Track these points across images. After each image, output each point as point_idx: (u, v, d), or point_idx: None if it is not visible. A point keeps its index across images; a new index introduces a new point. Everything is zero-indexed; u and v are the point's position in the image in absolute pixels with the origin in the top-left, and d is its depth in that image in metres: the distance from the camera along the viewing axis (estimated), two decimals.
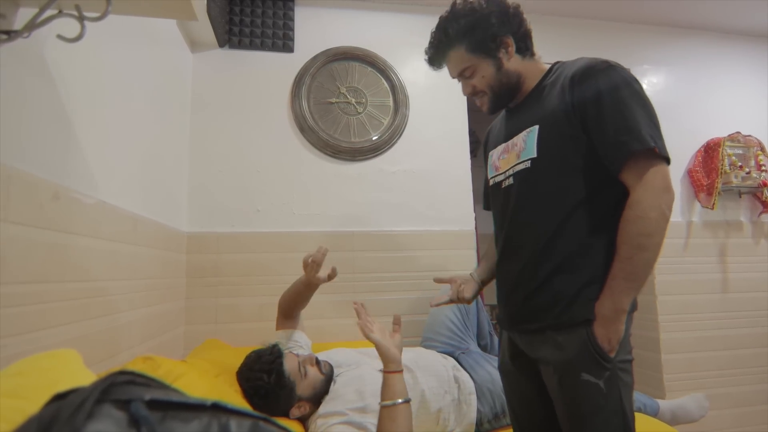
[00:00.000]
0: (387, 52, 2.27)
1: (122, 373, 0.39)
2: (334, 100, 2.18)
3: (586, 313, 0.94)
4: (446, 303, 1.26)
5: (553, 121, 0.99)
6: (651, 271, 0.93)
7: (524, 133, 1.05)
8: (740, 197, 2.51)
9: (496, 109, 1.13)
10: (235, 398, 1.20)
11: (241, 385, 1.29)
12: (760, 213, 2.51)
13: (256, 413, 0.39)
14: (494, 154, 1.17)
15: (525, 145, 1.04)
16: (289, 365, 1.31)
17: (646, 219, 0.89)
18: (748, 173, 2.40)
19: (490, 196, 1.23)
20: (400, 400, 1.13)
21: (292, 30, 2.22)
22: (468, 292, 1.24)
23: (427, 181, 2.21)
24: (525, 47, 1.09)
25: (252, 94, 2.12)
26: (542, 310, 0.99)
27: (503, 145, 1.13)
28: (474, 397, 1.45)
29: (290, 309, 1.58)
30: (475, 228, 2.28)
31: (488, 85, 1.08)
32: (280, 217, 2.05)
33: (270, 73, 2.16)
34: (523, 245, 1.04)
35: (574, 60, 1.03)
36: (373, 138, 2.17)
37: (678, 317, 2.32)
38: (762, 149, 2.50)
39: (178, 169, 1.88)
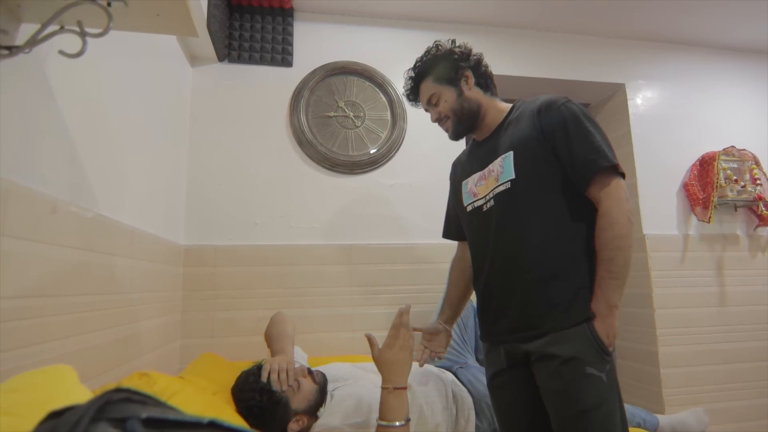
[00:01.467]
0: (385, 67, 2.30)
1: (118, 390, 0.38)
2: (332, 113, 2.20)
3: (584, 314, 1.04)
4: (428, 361, 1.38)
5: (526, 146, 1.13)
6: (630, 267, 1.06)
7: (500, 159, 1.18)
8: (736, 211, 2.53)
9: (459, 133, 1.28)
10: (232, 416, 1.18)
11: (236, 404, 1.27)
12: (756, 226, 2.52)
13: (253, 431, 0.38)
14: (469, 182, 1.28)
15: (503, 169, 1.16)
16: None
17: (618, 224, 1.04)
18: (743, 187, 2.42)
19: (466, 221, 1.31)
20: (397, 423, 1.08)
21: (291, 44, 2.24)
22: (440, 346, 1.37)
23: (425, 195, 2.22)
24: (485, 84, 1.27)
25: (251, 108, 2.14)
26: (541, 317, 1.07)
27: (479, 173, 1.25)
28: (473, 412, 1.44)
29: None
30: None
31: (451, 109, 1.24)
32: (278, 230, 2.05)
33: (269, 87, 2.18)
34: (514, 258, 1.13)
35: (533, 99, 1.21)
36: (371, 151, 2.18)
37: (676, 331, 2.32)
38: (756, 163, 2.52)
39: (176, 182, 1.88)
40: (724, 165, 2.45)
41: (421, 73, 1.28)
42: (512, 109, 1.25)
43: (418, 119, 2.28)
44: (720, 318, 2.41)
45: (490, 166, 1.21)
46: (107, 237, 1.18)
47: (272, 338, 1.54)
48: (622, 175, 1.09)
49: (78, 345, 1.01)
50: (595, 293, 1.05)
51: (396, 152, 2.23)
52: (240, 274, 1.96)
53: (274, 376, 1.28)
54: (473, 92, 1.24)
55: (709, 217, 2.39)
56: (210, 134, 2.06)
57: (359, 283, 2.06)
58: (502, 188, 1.16)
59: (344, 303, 2.03)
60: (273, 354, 1.49)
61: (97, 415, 0.35)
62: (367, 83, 2.27)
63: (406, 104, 2.31)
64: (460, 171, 1.37)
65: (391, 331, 1.21)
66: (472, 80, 1.25)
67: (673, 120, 2.58)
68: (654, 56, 2.66)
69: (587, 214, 1.10)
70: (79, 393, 0.61)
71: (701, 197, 2.44)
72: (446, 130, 1.29)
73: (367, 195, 2.16)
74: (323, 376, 1.40)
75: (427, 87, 1.26)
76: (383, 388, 1.14)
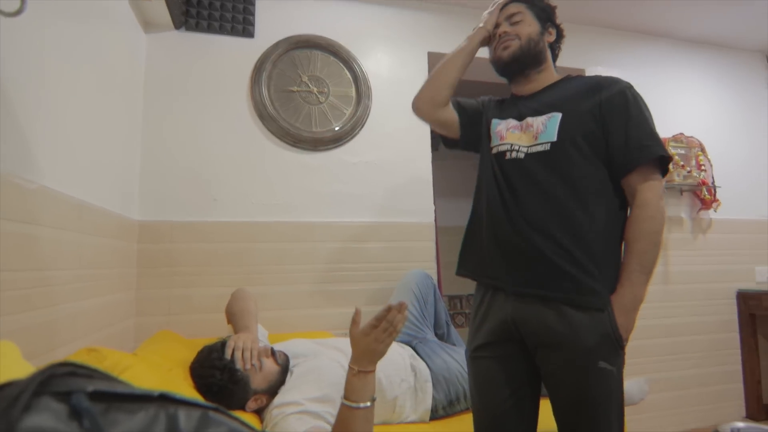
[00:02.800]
0: (351, 43, 2.25)
1: (63, 364, 0.37)
2: (295, 88, 2.15)
3: (603, 300, 1.01)
4: None
5: (576, 114, 1.10)
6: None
7: (544, 117, 1.13)
8: (681, 194, 2.67)
9: (514, 59, 1.21)
10: (188, 392, 1.17)
11: (194, 380, 1.26)
12: (699, 210, 2.68)
13: (206, 403, 0.38)
14: (501, 125, 1.22)
15: (545, 128, 1.12)
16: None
17: (656, 219, 1.02)
18: (689, 172, 2.55)
19: (486, 161, 1.23)
20: (362, 404, 1.05)
21: (253, 15, 2.16)
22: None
23: (388, 173, 2.22)
24: (555, 50, 1.29)
25: (209, 79, 2.06)
26: (565, 280, 1.02)
27: (514, 121, 1.19)
28: (430, 384, 1.48)
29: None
30: (435, 221, 2.32)
31: (525, 35, 1.20)
32: (238, 206, 2.00)
33: (229, 59, 2.09)
34: (545, 218, 1.07)
35: (589, 76, 1.22)
36: (335, 128, 2.15)
37: None
38: (702, 150, 2.66)
39: (129, 155, 1.80)
40: (673, 151, 2.58)
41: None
42: (564, 78, 1.24)
43: (384, 97, 2.26)
44: (664, 295, 2.57)
45: (530, 120, 1.16)
46: (53, 210, 1.12)
47: (235, 315, 1.52)
48: (665, 172, 1.08)
49: (23, 322, 0.96)
50: (622, 284, 1.02)
51: (360, 130, 2.21)
52: (198, 251, 1.91)
53: (238, 354, 1.28)
54: (545, 46, 1.24)
55: None
56: (166, 105, 1.97)
57: (322, 261, 2.05)
58: (539, 148, 1.11)
59: (306, 280, 2.02)
60: (236, 331, 1.47)
61: (39, 389, 0.33)
62: (332, 58, 2.22)
63: (372, 81, 2.31)
64: (494, 110, 1.29)
65: (372, 321, 1.09)
66: (552, 37, 1.26)
67: None
68: (613, 44, 2.73)
69: (623, 204, 1.09)
70: (21, 369, 0.58)
71: None
72: (505, 48, 1.22)
73: (331, 172, 2.14)
74: (286, 357, 1.40)
75: (519, 6, 1.24)
76: (350, 368, 1.09)
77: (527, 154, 1.12)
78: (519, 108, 1.21)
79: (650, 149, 1.04)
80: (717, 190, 2.66)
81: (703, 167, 2.61)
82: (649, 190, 1.03)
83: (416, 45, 2.36)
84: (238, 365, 1.25)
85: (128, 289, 1.75)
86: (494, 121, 1.25)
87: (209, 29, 2.11)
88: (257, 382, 1.28)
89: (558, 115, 1.11)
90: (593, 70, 2.64)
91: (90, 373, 0.38)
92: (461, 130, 1.33)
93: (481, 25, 1.28)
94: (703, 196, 2.62)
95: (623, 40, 2.75)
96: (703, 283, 2.65)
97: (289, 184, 2.08)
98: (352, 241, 2.11)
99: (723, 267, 2.70)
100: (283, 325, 1.94)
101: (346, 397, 1.06)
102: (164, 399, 0.37)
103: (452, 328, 1.86)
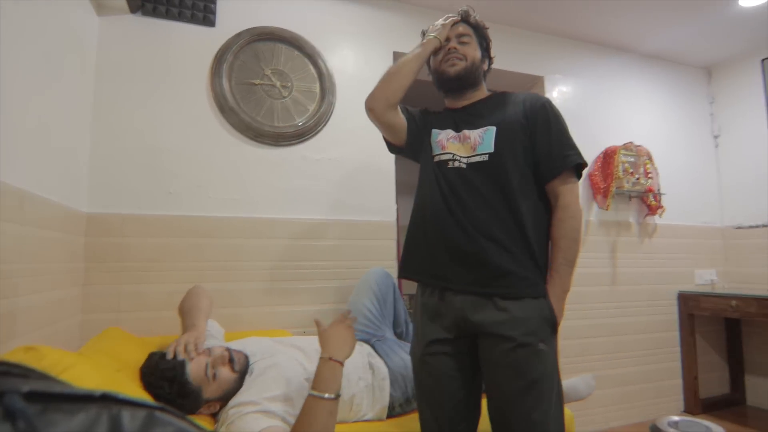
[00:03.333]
0: (316, 38, 2.23)
1: None
2: (257, 81, 2.10)
3: (541, 290, 1.15)
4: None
5: (509, 127, 1.23)
6: None
7: (481, 130, 1.24)
8: (630, 200, 2.81)
9: (460, 77, 1.32)
10: (137, 393, 1.12)
11: (143, 386, 1.21)
12: (646, 215, 2.83)
13: (152, 403, 0.36)
14: (441, 135, 1.31)
15: (482, 140, 1.23)
16: (195, 371, 1.23)
17: (576, 218, 1.18)
18: (637, 179, 2.69)
19: (428, 168, 1.31)
20: (326, 395, 1.10)
21: (214, 3, 2.09)
22: None
23: (351, 171, 2.21)
24: (485, 75, 1.41)
25: (167, 68, 1.98)
26: (508, 276, 1.13)
27: (453, 132, 1.29)
28: (387, 382, 1.49)
29: None
30: (397, 219, 2.33)
31: (471, 58, 1.33)
32: (194, 200, 1.94)
33: (188, 47, 2.02)
34: (487, 222, 1.17)
35: (513, 93, 1.34)
36: (298, 124, 2.12)
37: (574, 306, 2.55)
38: (650, 158, 2.80)
39: (77, 144, 1.71)
40: (623, 159, 2.71)
41: (472, 20, 1.38)
42: (492, 95, 1.36)
43: (348, 95, 2.25)
44: (611, 296, 2.70)
45: (467, 133, 1.26)
46: None
47: (185, 312, 1.48)
48: (580, 177, 1.24)
49: None
50: (552, 277, 1.16)
51: (323, 126, 2.19)
52: (151, 246, 1.84)
53: (180, 348, 1.25)
54: (482, 70, 1.38)
55: (608, 205, 2.65)
56: (119, 93, 1.88)
57: (281, 258, 2.02)
58: (478, 159, 1.22)
59: (264, 277, 1.98)
60: (184, 329, 1.43)
61: None
62: (297, 53, 2.19)
63: (337, 78, 2.29)
64: (434, 120, 1.38)
65: (338, 317, 1.29)
66: (487, 65, 1.40)
67: (584, 114, 2.78)
68: (571, 54, 2.83)
69: (546, 205, 1.23)
70: None
71: (602, 187, 2.68)
72: (452, 65, 1.32)
73: (293, 168, 2.11)
74: (245, 361, 1.35)
75: (468, 29, 1.36)
76: (321, 358, 1.17)
77: (468, 164, 1.22)
78: (455, 120, 1.32)
79: (570, 158, 1.20)
80: (662, 196, 2.81)
81: (650, 175, 2.75)
82: (570, 193, 1.20)
83: (382, 44, 2.37)
84: (181, 357, 1.22)
85: (74, 285, 1.66)
86: (434, 131, 1.34)
87: (168, 15, 2.03)
88: (210, 392, 1.25)
89: (493, 129, 1.23)
90: (552, 77, 2.74)
91: (25, 372, 0.36)
92: (408, 137, 1.38)
93: (433, 35, 1.35)
94: (649, 202, 2.77)
95: (581, 51, 2.86)
96: (647, 284, 2.80)
97: (248, 179, 2.03)
98: (312, 238, 2.09)
99: (666, 270, 2.87)
100: (239, 323, 1.89)
101: (313, 387, 1.12)
102: (107, 399, 0.35)
103: (411, 326, 1.87)
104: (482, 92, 1.38)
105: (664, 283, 2.86)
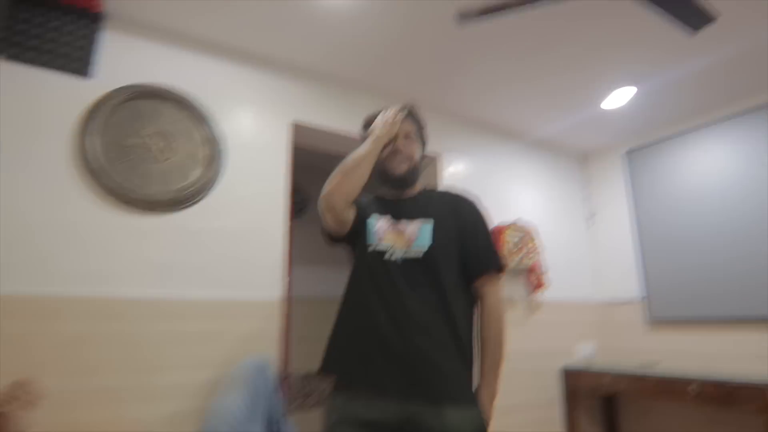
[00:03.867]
0: (209, 100, 2.11)
1: None
2: (135, 141, 1.91)
3: (473, 397, 1.15)
4: None
5: (443, 223, 1.26)
6: None
7: (417, 223, 1.26)
8: (517, 277, 2.93)
9: (402, 178, 1.35)
10: None
11: None
12: (531, 291, 2.96)
13: None
14: (378, 223, 1.30)
15: (419, 234, 1.24)
16: None
17: (501, 321, 1.23)
18: (522, 258, 2.83)
19: (363, 258, 1.28)
20: None
21: (92, 53, 1.91)
22: None
23: (234, 244, 2.05)
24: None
25: (24, 118, 1.73)
26: (447, 381, 1.12)
27: (389, 222, 1.30)
28: None
29: None
30: (289, 293, 2.18)
31: (415, 158, 1.37)
32: (34, 274, 1.64)
33: (55, 98, 1.80)
34: (426, 321, 1.16)
35: (442, 190, 1.45)
36: (177, 190, 1.94)
37: None
38: (534, 237, 2.98)
39: None
40: (511, 237, 2.85)
41: (417, 118, 1.42)
42: (425, 190, 1.41)
43: (239, 162, 2.13)
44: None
45: (403, 226, 1.27)
46: None
47: None
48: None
49: None
50: (482, 385, 1.18)
51: (207, 194, 2.02)
52: None
53: None
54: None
55: None
56: None
57: (138, 346, 1.74)
58: (414, 254, 1.22)
59: (114, 371, 1.69)
60: None
61: None
62: (184, 113, 2.05)
63: (229, 142, 2.16)
64: (371, 207, 1.35)
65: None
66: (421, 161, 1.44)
67: (477, 192, 2.88)
68: (468, 134, 3.01)
69: (472, 303, 1.26)
70: None
71: None
72: (399, 164, 1.34)
73: (166, 239, 1.90)
74: None
75: (412, 126, 1.39)
76: None
77: (404, 259, 1.22)
78: (392, 210, 1.32)
79: (496, 259, 1.29)
80: (545, 273, 2.98)
81: (534, 253, 2.91)
82: (495, 294, 1.26)
83: (280, 113, 2.32)
84: None
85: None
86: (372, 218, 1.32)
87: (36, 61, 1.81)
88: None
89: (429, 225, 1.26)
90: (449, 155, 2.86)
91: None
92: (353, 226, 1.32)
93: (384, 131, 1.32)
94: (533, 279, 2.91)
95: (476, 132, 3.05)
96: (532, 361, 2.88)
97: (109, 250, 1.78)
98: (182, 320, 1.85)
99: (550, 345, 2.99)
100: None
101: None
102: None
103: (285, 425, 1.69)
104: (415, 188, 1.39)
105: (548, 360, 2.96)
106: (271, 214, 2.18)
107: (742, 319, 2.56)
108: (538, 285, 2.92)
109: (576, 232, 3.42)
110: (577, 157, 3.63)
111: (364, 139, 1.36)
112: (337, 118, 2.47)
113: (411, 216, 1.29)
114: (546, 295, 3.01)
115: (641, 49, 2.26)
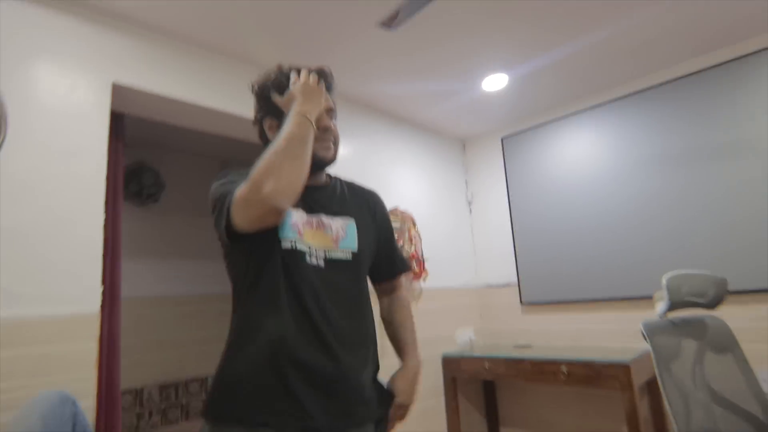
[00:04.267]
0: None
1: None
2: None
3: (390, 399, 1.14)
4: None
5: (365, 222, 1.17)
6: None
7: (341, 221, 1.11)
8: None
9: (333, 160, 1.16)
10: None
11: None
12: (413, 280, 2.81)
13: None
14: (294, 216, 1.04)
15: (345, 234, 1.11)
16: None
17: (410, 307, 1.31)
18: (402, 246, 2.65)
19: (276, 256, 1.01)
20: None
21: None
22: None
23: (24, 246, 1.52)
24: None
25: None
26: (371, 402, 1.06)
27: (306, 215, 1.07)
28: None
29: None
30: (113, 296, 1.71)
31: (338, 139, 1.18)
32: None
33: None
34: (352, 336, 1.05)
35: (348, 181, 1.27)
36: None
37: None
38: (413, 224, 2.83)
39: None
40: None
41: (332, 88, 1.20)
42: (333, 178, 1.24)
43: (34, 133, 1.59)
44: None
45: (326, 221, 1.09)
46: None
47: None
48: None
49: None
50: (410, 356, 1.22)
51: None
52: None
53: None
54: None
55: None
56: None
57: None
58: (341, 256, 1.08)
59: None
60: None
61: None
62: None
63: (14, 106, 1.56)
64: None
65: None
66: None
67: (358, 176, 2.63)
68: (343, 112, 2.71)
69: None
70: None
71: None
72: (327, 148, 1.13)
73: None
74: None
75: (332, 101, 1.19)
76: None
77: (327, 261, 1.05)
78: (304, 199, 1.05)
79: (406, 260, 1.35)
80: (425, 261, 2.85)
81: (414, 240, 2.76)
82: (404, 287, 1.33)
83: (97, 70, 1.80)
84: None
85: None
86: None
87: None
88: None
89: (353, 223, 1.14)
90: None
91: None
92: None
93: (311, 105, 1.03)
94: (413, 267, 2.76)
95: (354, 112, 2.79)
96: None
97: None
98: None
99: (431, 334, 2.88)
100: None
101: None
102: None
103: None
104: (322, 174, 1.19)
105: (431, 348, 2.85)
106: (82, 203, 1.67)
107: (606, 299, 2.69)
108: (418, 273, 2.78)
109: (458, 218, 3.37)
110: (457, 141, 3.57)
111: (265, 111, 1.12)
112: (178, 84, 2.01)
113: (330, 209, 1.12)
114: (427, 282, 2.89)
115: (510, 35, 2.18)
